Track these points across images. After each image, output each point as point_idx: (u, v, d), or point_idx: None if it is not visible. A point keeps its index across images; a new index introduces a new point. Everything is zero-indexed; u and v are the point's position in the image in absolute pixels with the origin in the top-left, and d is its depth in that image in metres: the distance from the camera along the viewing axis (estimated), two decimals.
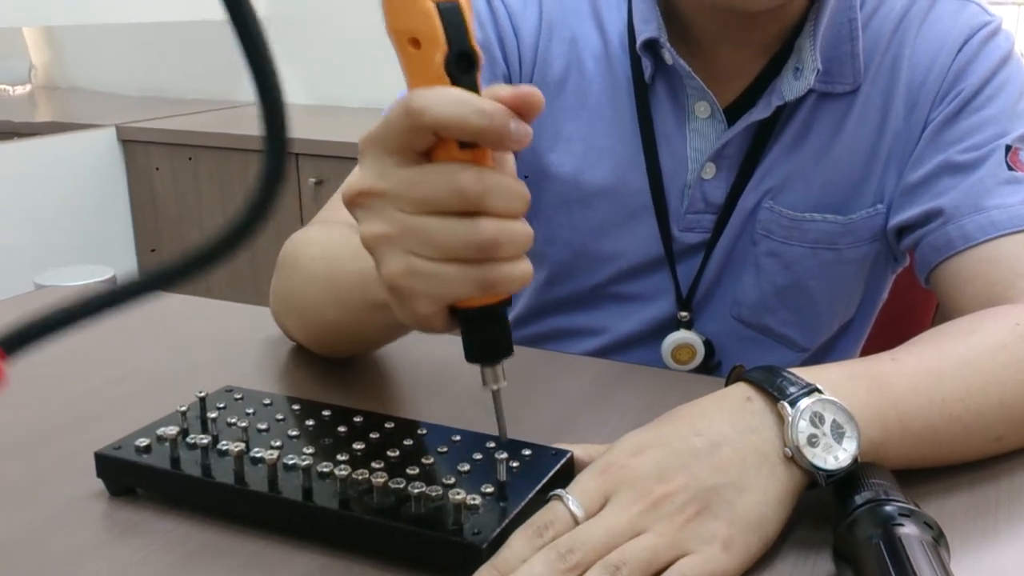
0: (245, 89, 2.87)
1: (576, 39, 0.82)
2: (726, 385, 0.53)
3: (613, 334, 0.86)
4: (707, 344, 0.83)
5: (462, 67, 0.43)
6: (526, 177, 0.84)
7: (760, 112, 0.76)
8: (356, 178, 0.46)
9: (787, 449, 0.48)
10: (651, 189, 0.80)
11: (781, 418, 0.48)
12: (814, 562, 0.47)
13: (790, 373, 0.50)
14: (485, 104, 0.42)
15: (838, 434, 0.48)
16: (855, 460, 0.48)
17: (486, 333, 0.47)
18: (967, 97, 0.74)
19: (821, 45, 0.75)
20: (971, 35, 0.75)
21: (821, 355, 0.87)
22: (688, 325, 0.83)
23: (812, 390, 0.49)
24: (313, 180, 2.16)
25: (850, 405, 0.49)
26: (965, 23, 0.76)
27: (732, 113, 0.78)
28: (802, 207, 0.78)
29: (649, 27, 0.76)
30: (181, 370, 0.72)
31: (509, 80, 0.84)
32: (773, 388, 0.49)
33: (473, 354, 0.47)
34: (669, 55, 0.76)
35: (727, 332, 0.83)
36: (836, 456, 0.48)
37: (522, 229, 0.45)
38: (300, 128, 2.52)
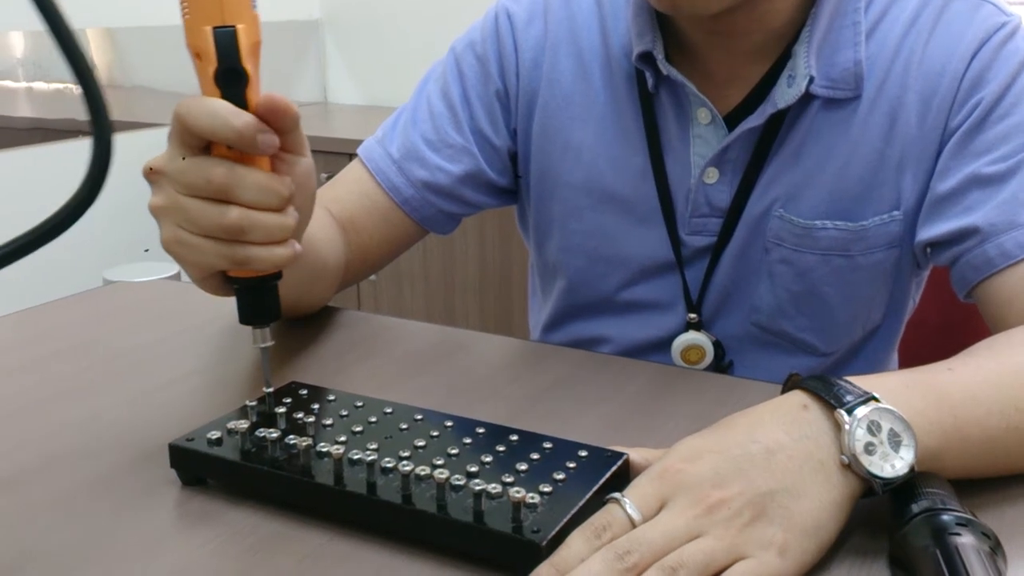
0: (302, 89, 2.92)
1: (584, 52, 0.85)
2: (782, 393, 0.53)
3: (625, 342, 0.88)
4: (716, 345, 0.84)
5: (230, 81, 0.53)
6: (538, 179, 0.85)
7: (755, 119, 0.77)
8: (156, 156, 0.57)
9: (844, 457, 0.48)
10: (659, 194, 0.82)
11: (838, 426, 0.49)
12: (869, 569, 0.48)
13: (847, 381, 0.51)
14: (236, 121, 0.52)
15: (895, 442, 0.48)
16: (912, 469, 0.48)
17: (254, 301, 0.57)
18: (989, 105, 0.73)
19: (822, 51, 0.75)
20: (987, 38, 0.74)
21: (847, 360, 0.87)
22: (697, 326, 0.85)
23: (869, 398, 0.49)
24: None
25: (907, 414, 0.49)
26: (979, 25, 0.74)
27: (735, 118, 0.79)
28: (812, 215, 0.79)
29: (644, 40, 0.78)
30: (248, 366, 0.74)
31: (505, 95, 0.87)
32: (830, 396, 0.50)
33: (242, 317, 0.58)
34: (663, 66, 0.77)
35: (746, 337, 0.85)
36: (893, 464, 0.48)
37: (272, 220, 0.55)
38: (352, 128, 2.56)
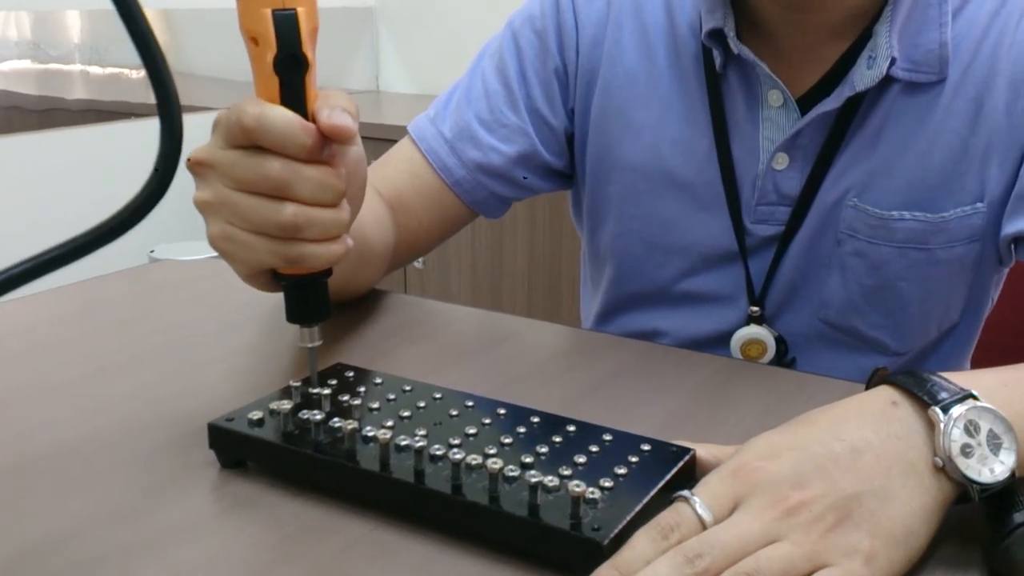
0: (354, 77, 2.91)
1: (648, 29, 0.80)
2: (867, 388, 0.49)
3: (682, 336, 0.84)
4: (779, 340, 0.80)
5: (290, 68, 0.50)
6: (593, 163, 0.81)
7: (831, 103, 0.72)
8: (200, 147, 0.53)
9: (937, 459, 0.44)
10: (723, 179, 0.78)
11: (931, 425, 0.45)
12: None
13: (941, 377, 0.46)
14: (304, 137, 0.49)
15: (994, 445, 0.44)
16: (1012, 474, 0.44)
17: (303, 299, 0.54)
18: None
19: (905, 31, 0.70)
20: None
21: (919, 362, 0.82)
22: (759, 320, 0.80)
23: (966, 396, 0.45)
24: None
25: (1007, 414, 0.45)
26: None
27: (808, 102, 0.74)
28: (888, 205, 0.74)
29: (714, 17, 0.74)
30: (293, 347, 0.72)
31: (563, 72, 0.83)
32: (923, 392, 0.45)
33: (291, 315, 0.55)
34: (734, 45, 0.73)
35: (813, 333, 0.80)
36: (992, 469, 0.43)
37: (328, 216, 0.51)
38: (404, 116, 2.55)
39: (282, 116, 0.49)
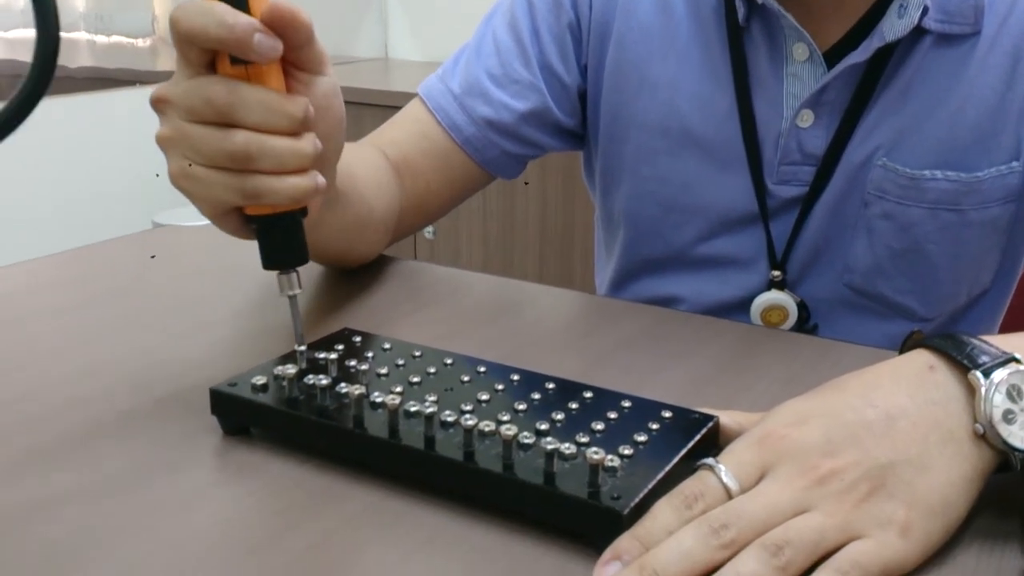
0: (362, 45, 2.88)
1: None
2: (901, 352, 0.47)
3: (701, 302, 0.81)
4: (801, 306, 0.77)
5: None
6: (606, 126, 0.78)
7: (859, 55, 0.69)
8: (163, 83, 0.50)
9: (978, 426, 0.41)
10: (744, 138, 0.75)
11: (971, 390, 0.42)
12: (1001, 554, 0.41)
13: (981, 340, 0.44)
14: (228, 16, 0.46)
15: None
16: None
17: (277, 240, 0.51)
18: None
19: None
20: None
21: (948, 326, 0.79)
22: (780, 285, 0.77)
23: (1009, 359, 0.42)
24: None
25: None
26: None
27: (835, 56, 0.71)
28: (919, 164, 0.71)
29: None
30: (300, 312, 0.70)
31: (577, 27, 0.80)
32: (962, 356, 0.43)
33: (265, 260, 0.51)
34: None
35: (837, 299, 0.77)
36: None
37: (283, 145, 0.48)
38: (413, 83, 2.51)
39: (207, 3, 0.46)
